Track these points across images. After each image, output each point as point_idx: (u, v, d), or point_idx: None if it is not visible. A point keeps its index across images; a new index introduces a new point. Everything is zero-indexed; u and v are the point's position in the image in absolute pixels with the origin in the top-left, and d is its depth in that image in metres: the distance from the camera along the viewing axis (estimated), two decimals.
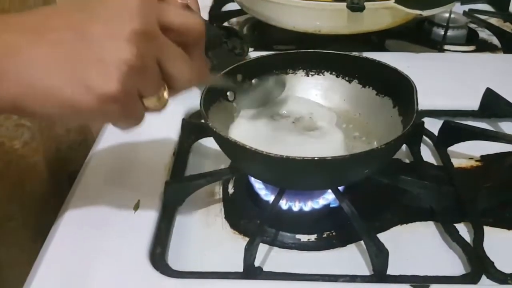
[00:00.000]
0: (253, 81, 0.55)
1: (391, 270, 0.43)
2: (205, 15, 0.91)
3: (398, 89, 0.52)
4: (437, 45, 0.85)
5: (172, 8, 0.37)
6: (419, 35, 0.89)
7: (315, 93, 0.59)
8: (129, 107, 0.35)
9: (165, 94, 0.37)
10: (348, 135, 0.54)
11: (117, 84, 0.33)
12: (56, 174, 0.60)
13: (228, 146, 0.47)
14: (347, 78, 0.58)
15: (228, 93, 0.54)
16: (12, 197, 0.54)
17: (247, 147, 0.43)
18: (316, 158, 0.42)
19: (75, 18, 0.34)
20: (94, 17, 0.34)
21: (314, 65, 0.59)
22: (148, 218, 0.48)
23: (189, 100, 0.62)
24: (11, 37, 0.33)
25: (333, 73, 0.58)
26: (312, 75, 0.59)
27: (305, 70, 0.59)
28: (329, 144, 0.51)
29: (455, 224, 0.48)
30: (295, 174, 0.44)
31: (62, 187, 0.56)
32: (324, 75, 0.59)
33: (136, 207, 0.49)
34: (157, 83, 0.36)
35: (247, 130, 0.53)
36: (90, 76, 0.33)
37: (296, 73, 0.59)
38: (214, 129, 0.46)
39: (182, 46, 0.37)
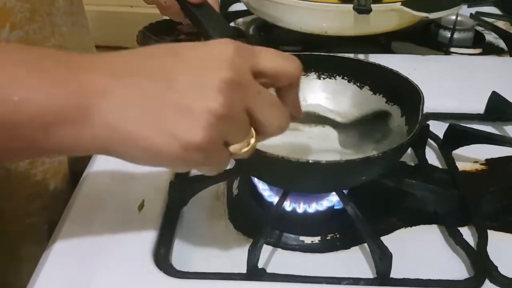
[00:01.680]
0: None
1: (394, 273, 0.43)
2: None
3: (407, 99, 0.51)
4: (443, 48, 0.85)
5: (267, 53, 0.36)
6: (426, 38, 0.88)
7: (325, 97, 0.59)
8: (213, 156, 0.35)
9: (252, 140, 0.36)
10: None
11: (203, 134, 0.32)
12: (78, 173, 0.60)
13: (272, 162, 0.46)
14: (358, 84, 0.57)
15: None
16: (35, 195, 0.55)
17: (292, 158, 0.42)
18: (310, 161, 0.42)
19: (166, 63, 0.34)
20: (186, 64, 0.34)
21: (327, 69, 0.58)
22: (153, 218, 0.48)
23: None
24: (99, 78, 0.33)
25: (345, 78, 0.58)
26: (324, 78, 0.59)
27: (317, 73, 0.59)
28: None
29: (459, 228, 0.48)
30: (296, 176, 0.45)
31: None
32: (336, 79, 0.58)
33: (141, 207, 0.49)
34: (245, 131, 0.36)
35: None
36: (176, 125, 0.32)
37: (308, 76, 0.59)
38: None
39: (276, 89, 0.37)
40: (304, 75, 0.59)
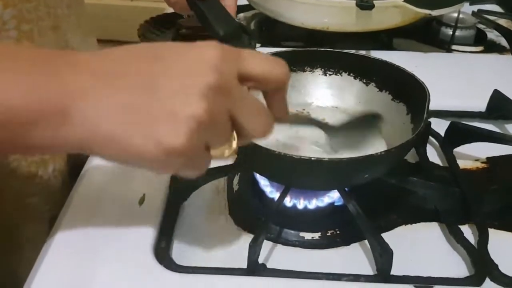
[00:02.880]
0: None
1: (394, 270, 0.43)
2: None
3: (413, 97, 0.51)
4: (445, 45, 0.85)
5: (254, 56, 0.36)
6: (427, 35, 0.88)
7: (331, 93, 0.58)
8: (194, 160, 0.35)
9: (235, 143, 0.36)
10: None
11: (185, 140, 0.32)
12: (78, 156, 0.60)
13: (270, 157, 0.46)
14: (364, 80, 0.57)
15: None
16: (34, 174, 0.55)
17: (287, 154, 0.43)
18: (313, 159, 0.42)
19: (149, 67, 0.33)
20: (169, 69, 0.33)
21: (333, 65, 0.58)
22: (153, 212, 0.48)
23: None
24: (79, 79, 0.33)
25: (351, 74, 0.57)
26: (329, 74, 0.58)
27: (323, 69, 0.59)
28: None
29: (460, 226, 0.48)
30: (300, 174, 0.45)
31: (80, 171, 0.56)
32: (341, 75, 0.58)
33: (141, 201, 0.49)
34: (227, 136, 0.35)
35: None
36: (158, 129, 0.32)
37: (313, 71, 0.59)
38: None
39: (263, 92, 0.37)
40: (310, 71, 0.59)
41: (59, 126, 0.32)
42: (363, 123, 0.54)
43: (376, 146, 0.52)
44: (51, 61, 0.34)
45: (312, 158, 0.42)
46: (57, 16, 0.56)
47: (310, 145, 0.52)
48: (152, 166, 0.34)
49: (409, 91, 0.52)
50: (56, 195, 0.54)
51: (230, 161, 0.37)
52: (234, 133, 0.36)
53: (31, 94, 0.32)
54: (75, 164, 0.57)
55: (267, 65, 0.36)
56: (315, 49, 0.59)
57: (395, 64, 0.54)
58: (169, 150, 0.32)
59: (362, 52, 0.76)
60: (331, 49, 0.59)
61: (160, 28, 0.80)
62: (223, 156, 0.36)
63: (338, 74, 0.58)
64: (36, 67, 0.33)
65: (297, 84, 0.59)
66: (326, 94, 0.58)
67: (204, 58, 0.33)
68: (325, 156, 0.50)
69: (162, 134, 0.32)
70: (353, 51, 0.61)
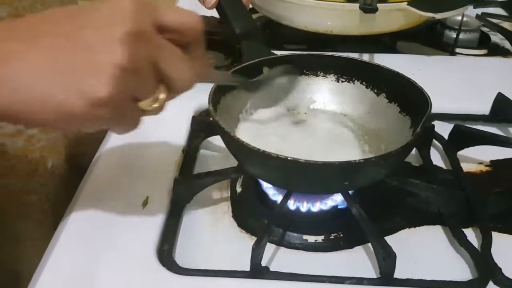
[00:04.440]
0: (263, 69, 0.55)
1: (398, 274, 0.43)
2: (214, 12, 0.91)
3: (418, 111, 0.50)
4: (448, 48, 0.85)
5: (168, 8, 0.36)
6: (431, 38, 0.88)
7: (342, 100, 0.58)
8: (122, 111, 0.35)
9: (162, 95, 0.37)
10: (360, 146, 0.53)
11: (108, 88, 0.32)
12: (76, 152, 0.60)
13: (234, 145, 0.47)
14: (376, 91, 0.56)
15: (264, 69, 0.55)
16: (33, 172, 0.55)
17: (251, 147, 0.43)
18: (312, 162, 0.41)
19: (67, 23, 0.34)
20: (87, 22, 0.34)
21: (346, 72, 0.57)
22: (156, 214, 0.48)
23: (199, 97, 0.62)
24: (1, 44, 0.33)
25: (364, 83, 0.57)
26: (342, 81, 0.58)
27: (336, 75, 0.58)
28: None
29: (463, 229, 0.48)
30: (297, 176, 0.44)
31: (81, 165, 0.56)
32: (354, 83, 0.57)
33: (145, 204, 0.49)
34: (152, 85, 0.36)
35: (253, 129, 0.53)
36: (82, 81, 0.32)
37: (326, 77, 0.58)
38: (223, 128, 0.46)
39: (181, 46, 0.37)
40: (323, 76, 0.58)
41: None
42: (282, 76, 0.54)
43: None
44: None
45: (311, 161, 0.41)
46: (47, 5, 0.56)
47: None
48: (80, 121, 0.34)
49: (415, 105, 0.50)
50: (55, 193, 0.54)
51: (158, 114, 0.37)
52: (162, 86, 0.36)
53: None
54: (74, 161, 0.57)
55: (181, 15, 0.37)
56: (329, 54, 0.59)
57: (406, 76, 0.53)
58: (93, 100, 0.32)
59: (365, 56, 0.77)
60: (345, 56, 0.58)
61: None
62: (152, 109, 0.36)
63: (351, 82, 0.57)
64: None
65: (307, 88, 0.59)
66: (336, 102, 0.58)
67: (120, 8, 0.34)
68: None
69: (84, 85, 0.32)
70: (354, 55, 0.61)
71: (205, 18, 0.85)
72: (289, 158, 0.41)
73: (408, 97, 0.52)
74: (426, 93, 0.50)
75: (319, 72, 0.59)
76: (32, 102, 0.33)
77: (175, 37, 0.36)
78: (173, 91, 0.37)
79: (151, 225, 0.47)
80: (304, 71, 0.59)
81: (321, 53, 0.60)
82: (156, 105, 0.36)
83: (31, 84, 0.33)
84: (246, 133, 0.53)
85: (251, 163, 0.47)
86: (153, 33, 0.35)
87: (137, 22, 0.33)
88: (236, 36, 0.63)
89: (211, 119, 0.48)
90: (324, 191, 0.49)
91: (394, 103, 0.54)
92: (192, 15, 0.38)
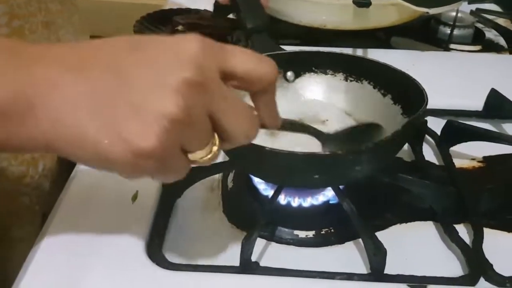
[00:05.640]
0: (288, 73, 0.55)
1: (388, 269, 0.43)
2: (210, 6, 0.91)
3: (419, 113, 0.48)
4: (443, 44, 0.85)
5: (238, 53, 0.32)
6: (425, 33, 0.88)
7: (346, 99, 0.57)
8: (168, 163, 0.31)
9: (215, 148, 0.33)
10: None
11: (155, 140, 0.29)
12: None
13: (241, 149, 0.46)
14: (383, 91, 0.54)
15: (288, 73, 0.55)
16: (24, 174, 0.54)
17: (256, 145, 0.42)
18: (300, 153, 0.41)
19: (121, 57, 0.31)
20: (144, 60, 0.30)
21: (355, 71, 0.56)
22: (146, 209, 0.48)
23: None
24: (46, 71, 0.30)
25: (371, 83, 0.55)
26: (351, 80, 0.57)
27: (345, 74, 0.57)
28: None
29: (455, 225, 0.48)
30: (289, 170, 0.44)
31: (74, 166, 0.56)
32: (362, 83, 0.56)
33: (134, 198, 0.49)
34: (206, 139, 0.32)
35: None
36: (127, 127, 0.29)
37: (335, 76, 0.57)
38: None
39: (249, 92, 0.34)
40: (332, 74, 0.58)
41: (23, 120, 0.30)
42: (362, 134, 0.52)
43: None
44: (19, 50, 0.32)
45: (299, 153, 0.41)
46: (49, 12, 0.56)
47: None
48: (122, 169, 0.31)
49: (417, 108, 0.48)
50: (47, 195, 0.53)
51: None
52: (216, 137, 0.33)
53: None
54: (67, 163, 0.56)
55: (252, 63, 0.33)
56: (338, 52, 0.58)
57: (411, 77, 0.51)
58: (138, 152, 0.29)
59: (359, 51, 0.76)
60: (356, 55, 0.57)
61: (156, 25, 0.80)
62: (203, 161, 0.33)
63: (359, 81, 0.56)
64: (7, 60, 0.31)
65: (316, 88, 0.58)
66: (343, 100, 0.57)
67: (182, 50, 0.30)
68: None
69: (130, 133, 0.29)
70: (348, 50, 0.60)
71: (197, 11, 0.85)
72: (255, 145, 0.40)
73: (410, 100, 0.50)
74: (425, 93, 0.48)
75: (328, 71, 0.58)
76: (69, 139, 0.30)
77: (242, 85, 0.33)
78: (228, 144, 0.33)
79: (141, 220, 0.47)
80: (313, 68, 0.58)
81: (329, 51, 0.59)
82: (207, 157, 0.33)
83: (70, 119, 0.30)
84: None
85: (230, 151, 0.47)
86: (216, 82, 0.31)
87: (201, 70, 0.30)
88: (247, 30, 0.63)
89: None
90: (296, 183, 0.48)
91: (398, 104, 0.53)
92: (266, 63, 0.33)
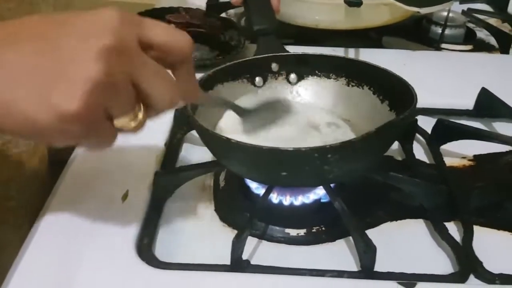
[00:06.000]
0: (272, 65, 0.55)
1: (379, 267, 0.43)
2: (202, 5, 0.91)
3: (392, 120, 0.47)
4: (434, 44, 0.85)
5: (156, 25, 0.35)
6: (417, 33, 0.89)
7: (345, 103, 0.57)
8: (94, 128, 0.33)
9: (140, 114, 0.34)
10: None
11: (79, 103, 0.30)
12: (56, 157, 0.59)
13: (199, 131, 0.46)
14: (381, 97, 0.54)
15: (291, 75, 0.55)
16: (10, 178, 0.54)
17: (222, 137, 0.43)
18: (264, 147, 0.40)
19: (50, 29, 0.32)
20: (70, 31, 0.32)
21: (357, 76, 0.56)
22: (137, 208, 0.48)
23: None
24: None
25: (371, 88, 0.55)
26: (352, 86, 0.57)
27: (347, 79, 0.57)
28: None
29: (446, 223, 0.48)
30: (255, 164, 0.44)
31: (62, 170, 0.56)
32: (363, 88, 0.56)
33: (125, 197, 0.49)
34: (129, 103, 0.34)
35: (235, 124, 0.52)
36: (54, 92, 0.31)
37: (338, 80, 0.57)
38: (189, 111, 0.45)
39: (168, 65, 0.35)
40: (334, 79, 0.58)
41: None
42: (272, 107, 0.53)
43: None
44: None
45: (263, 147, 0.41)
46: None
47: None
48: (50, 135, 0.32)
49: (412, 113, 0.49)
50: (35, 198, 0.53)
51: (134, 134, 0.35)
52: (142, 105, 0.34)
53: None
54: (56, 166, 0.56)
55: (170, 34, 0.35)
56: (341, 56, 0.58)
57: (408, 84, 0.50)
58: (64, 115, 0.31)
59: (351, 50, 0.77)
60: (360, 60, 0.56)
61: None
62: (129, 128, 0.34)
63: (360, 87, 0.56)
64: None
65: (321, 91, 0.58)
66: (341, 104, 0.57)
67: (104, 20, 0.32)
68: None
69: (55, 98, 0.30)
70: (340, 49, 0.60)
71: (189, 10, 0.85)
72: (224, 137, 0.41)
73: (406, 105, 0.49)
74: (415, 98, 0.48)
75: (331, 75, 0.58)
76: None
77: (160, 56, 0.35)
78: (153, 110, 0.35)
79: (131, 219, 0.47)
80: (316, 71, 0.58)
81: (333, 55, 0.58)
82: (133, 124, 0.34)
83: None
84: (225, 124, 0.52)
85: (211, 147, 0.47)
86: (136, 50, 0.33)
87: (119, 37, 0.31)
88: (253, 32, 0.63)
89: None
90: (265, 179, 0.48)
91: (394, 111, 0.53)
92: (181, 34, 0.36)
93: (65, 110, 0.30)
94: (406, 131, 0.57)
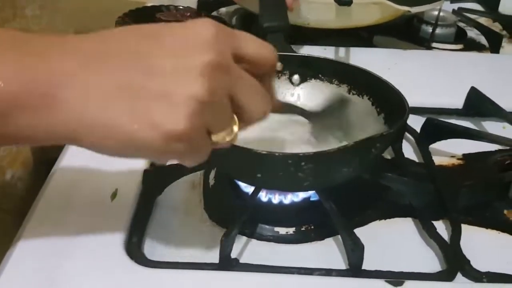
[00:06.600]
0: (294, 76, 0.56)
1: (367, 265, 0.43)
2: (193, 4, 0.90)
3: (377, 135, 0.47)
4: (425, 43, 0.85)
5: (246, 37, 0.35)
6: (408, 32, 0.89)
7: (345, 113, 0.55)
8: (196, 145, 0.32)
9: (236, 128, 0.34)
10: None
11: (185, 122, 0.30)
12: (41, 160, 0.59)
13: None
14: (379, 109, 0.54)
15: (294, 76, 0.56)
16: None
17: None
18: (239, 147, 0.40)
19: (140, 45, 0.31)
20: (164, 47, 0.31)
21: (358, 85, 0.56)
22: (126, 207, 0.48)
23: None
24: (67, 60, 0.30)
25: (371, 99, 0.55)
26: (353, 94, 0.56)
27: (348, 87, 0.57)
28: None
29: (434, 222, 0.48)
30: (235, 164, 0.44)
31: (48, 173, 0.55)
32: (363, 98, 0.56)
33: (114, 196, 0.49)
34: (228, 118, 0.34)
35: None
36: (156, 112, 0.30)
37: (340, 86, 0.57)
38: None
39: (255, 76, 0.35)
40: (337, 84, 0.57)
41: (44, 112, 0.30)
42: (338, 108, 0.53)
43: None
44: (35, 41, 0.31)
45: (277, 154, 0.41)
46: (24, 17, 0.55)
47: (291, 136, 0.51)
48: (151, 154, 0.32)
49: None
50: (19, 202, 0.52)
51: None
52: (235, 117, 0.34)
53: (12, 75, 0.29)
54: (42, 170, 0.55)
55: (260, 47, 0.35)
56: (345, 63, 0.58)
57: (403, 98, 0.50)
58: (170, 135, 0.30)
59: (342, 49, 0.77)
60: (361, 68, 0.56)
61: (138, 22, 0.79)
62: (223, 142, 0.34)
63: (360, 95, 0.56)
64: (18, 47, 0.30)
65: (321, 95, 0.57)
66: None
67: (200, 35, 0.31)
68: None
69: (159, 117, 0.30)
70: (331, 48, 0.60)
71: (180, 8, 0.85)
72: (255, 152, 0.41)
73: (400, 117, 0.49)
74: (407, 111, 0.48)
75: (333, 80, 0.57)
76: (96, 129, 0.31)
77: (250, 68, 0.34)
78: (246, 123, 0.35)
79: (120, 218, 0.46)
80: (320, 75, 0.58)
81: (337, 60, 0.58)
82: (228, 138, 0.34)
83: (95, 109, 0.30)
84: None
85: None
86: (233, 64, 0.32)
87: (218, 52, 0.31)
88: (262, 29, 0.63)
89: None
90: (242, 179, 0.48)
91: (388, 125, 0.52)
92: (268, 46, 0.36)
93: (170, 131, 0.30)
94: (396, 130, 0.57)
